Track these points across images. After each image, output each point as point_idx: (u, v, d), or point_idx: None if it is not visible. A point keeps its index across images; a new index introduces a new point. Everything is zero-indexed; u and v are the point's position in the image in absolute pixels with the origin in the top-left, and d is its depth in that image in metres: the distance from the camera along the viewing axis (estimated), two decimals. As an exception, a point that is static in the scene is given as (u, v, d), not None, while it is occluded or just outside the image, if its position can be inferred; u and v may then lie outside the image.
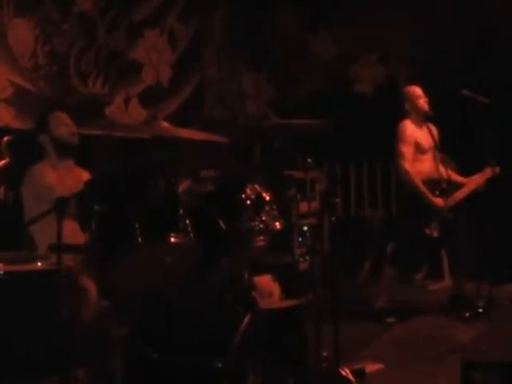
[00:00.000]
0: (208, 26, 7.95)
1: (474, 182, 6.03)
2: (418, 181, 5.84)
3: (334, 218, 5.81)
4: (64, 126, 4.37)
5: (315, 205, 6.24)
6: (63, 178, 4.29)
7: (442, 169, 5.93)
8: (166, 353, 3.53)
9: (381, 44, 8.06)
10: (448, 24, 7.42)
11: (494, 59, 7.15)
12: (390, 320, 5.83)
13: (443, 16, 7.46)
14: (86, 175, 4.37)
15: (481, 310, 5.72)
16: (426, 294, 6.91)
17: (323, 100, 7.85)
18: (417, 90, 5.99)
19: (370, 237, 7.69)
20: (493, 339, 5.13)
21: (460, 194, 5.99)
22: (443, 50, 7.30)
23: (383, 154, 7.50)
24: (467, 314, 5.73)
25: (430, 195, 5.83)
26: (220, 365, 3.34)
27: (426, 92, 6.02)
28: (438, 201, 5.84)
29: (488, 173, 6.01)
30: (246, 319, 3.45)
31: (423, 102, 5.95)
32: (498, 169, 6.02)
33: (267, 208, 4.01)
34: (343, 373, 4.01)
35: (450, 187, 5.94)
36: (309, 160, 4.89)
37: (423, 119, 6.00)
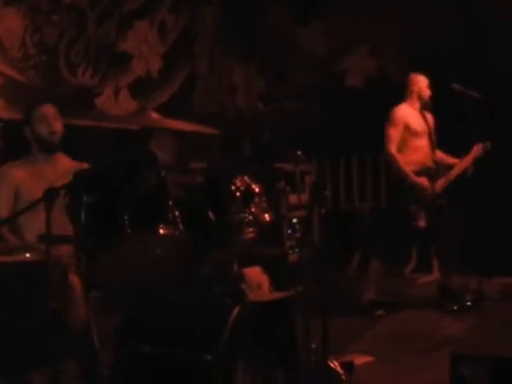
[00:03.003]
0: (199, 19, 7.93)
1: (462, 164, 6.01)
2: (403, 164, 5.80)
3: (323, 211, 5.80)
4: (45, 123, 4.25)
5: (305, 197, 6.25)
6: (40, 173, 4.22)
7: (435, 156, 5.94)
8: (156, 345, 3.52)
9: (372, 37, 8.05)
10: (440, 15, 7.41)
11: (487, 52, 7.15)
12: (379, 313, 5.83)
13: (435, 8, 7.46)
14: (80, 167, 4.32)
15: (469, 304, 5.73)
16: (415, 288, 6.91)
17: (314, 93, 7.83)
18: (424, 79, 5.99)
19: (360, 230, 7.69)
20: (481, 333, 5.15)
21: (449, 177, 5.97)
22: (435, 42, 7.30)
23: (373, 147, 7.52)
24: (455, 308, 5.75)
25: (414, 176, 5.79)
26: (209, 357, 3.33)
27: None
28: (423, 181, 5.82)
29: (477, 150, 5.98)
30: (235, 311, 3.43)
31: (427, 92, 5.95)
32: (488, 144, 6.00)
33: (257, 200, 3.98)
34: (332, 365, 3.99)
35: (437, 173, 5.94)
36: (299, 153, 4.88)
37: (421, 107, 6.00)
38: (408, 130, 5.88)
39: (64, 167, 4.28)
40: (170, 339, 3.54)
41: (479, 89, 5.81)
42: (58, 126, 4.32)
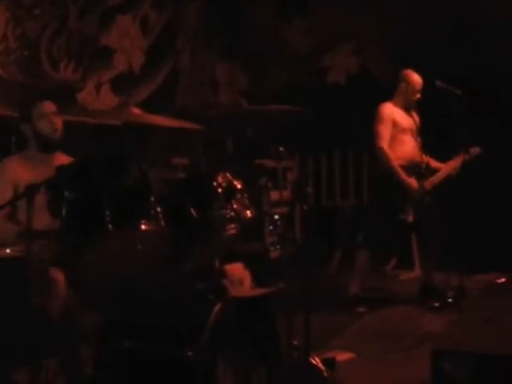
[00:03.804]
0: (182, 13, 7.89)
1: (449, 166, 6.04)
2: (393, 161, 5.81)
3: (305, 207, 5.80)
4: (46, 120, 4.23)
5: (287, 194, 6.24)
6: (35, 170, 4.19)
7: (422, 154, 5.95)
8: (137, 342, 3.50)
9: (355, 34, 8.05)
10: (424, 12, 7.42)
11: (472, 50, 7.18)
12: (361, 310, 5.84)
13: (419, 5, 7.47)
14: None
15: (450, 300, 5.75)
16: (397, 284, 6.93)
17: (297, 89, 7.83)
18: (418, 78, 5.96)
19: (341, 226, 7.70)
20: (463, 329, 5.16)
21: (436, 179, 5.99)
22: (419, 40, 7.31)
23: (355, 144, 7.53)
24: (437, 304, 5.76)
25: (404, 175, 5.80)
26: (191, 353, 3.31)
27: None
28: (413, 182, 5.83)
29: (462, 157, 6.01)
30: (217, 307, 3.43)
31: (418, 92, 5.94)
32: (477, 149, 6.03)
33: (238, 196, 3.99)
34: (314, 362, 4.00)
35: (427, 172, 5.95)
36: (281, 149, 4.88)
37: (409, 106, 5.99)
38: (396, 126, 5.89)
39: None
40: (152, 336, 3.52)
41: (464, 87, 5.82)
42: (59, 122, 4.30)
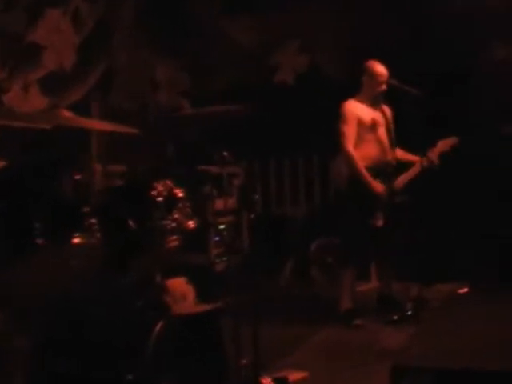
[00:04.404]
0: (117, 8, 7.83)
1: (409, 175, 6.04)
2: (358, 163, 5.80)
3: (252, 216, 5.80)
4: None
5: (232, 201, 6.23)
6: None
7: (394, 152, 5.94)
8: (72, 364, 3.46)
9: (303, 30, 8.08)
10: (376, 10, 7.49)
11: (427, 49, 7.27)
12: (357, 323, 5.78)
13: (371, 2, 7.53)
14: None
15: (410, 313, 5.79)
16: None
17: (242, 90, 7.82)
18: (382, 69, 5.94)
19: (292, 235, 7.72)
20: (423, 343, 5.20)
21: (411, 173, 6.00)
22: (372, 37, 7.36)
23: (306, 148, 7.56)
24: (395, 317, 5.80)
25: (369, 178, 5.81)
26: (131, 376, 3.28)
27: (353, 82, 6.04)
28: (378, 187, 5.84)
29: (442, 146, 6.05)
30: (159, 326, 3.40)
31: (383, 83, 5.93)
32: (455, 139, 6.07)
33: (180, 205, 3.98)
34: (264, 382, 4.00)
35: (395, 171, 5.95)
36: (226, 154, 4.87)
37: (376, 100, 5.98)
38: (361, 124, 5.88)
39: None
40: (88, 358, 3.48)
41: (418, 86, 5.87)
42: None
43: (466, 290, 6.53)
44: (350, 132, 5.86)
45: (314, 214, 7.74)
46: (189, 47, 8.17)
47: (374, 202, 5.84)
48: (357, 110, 5.93)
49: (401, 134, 5.98)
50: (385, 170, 5.91)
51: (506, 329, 5.38)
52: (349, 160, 5.86)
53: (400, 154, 6.06)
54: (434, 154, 6.03)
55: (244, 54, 8.17)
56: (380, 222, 5.84)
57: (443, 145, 6.08)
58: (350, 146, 5.83)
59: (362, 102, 5.97)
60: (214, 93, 7.73)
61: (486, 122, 7.17)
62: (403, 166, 6.08)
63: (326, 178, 7.66)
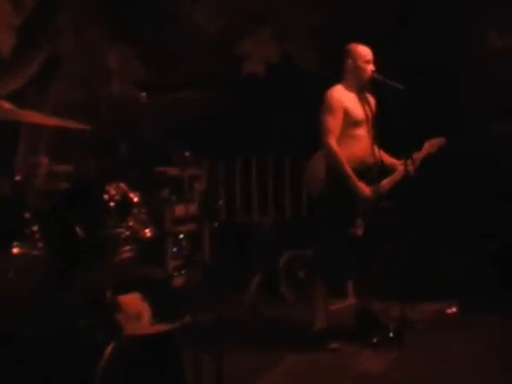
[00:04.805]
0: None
1: (392, 180, 6.03)
2: (344, 162, 5.71)
3: (215, 224, 5.80)
4: None
5: (193, 208, 6.23)
6: None
7: (376, 150, 5.89)
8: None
9: (275, 16, 8.09)
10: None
11: (410, 39, 7.32)
12: (334, 346, 5.78)
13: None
14: None
15: (391, 335, 5.80)
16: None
17: (207, 82, 7.81)
18: (367, 52, 5.89)
19: (260, 246, 7.72)
20: (404, 369, 5.24)
21: (395, 177, 5.98)
22: (350, 25, 7.40)
23: (276, 148, 7.57)
24: (375, 340, 5.81)
25: (356, 180, 5.74)
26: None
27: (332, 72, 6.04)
28: (366, 189, 5.78)
29: (428, 148, 6.05)
30: (109, 348, 3.38)
31: (369, 67, 5.86)
32: (442, 140, 6.08)
33: (135, 211, 3.98)
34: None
35: (377, 174, 5.92)
36: (186, 154, 4.88)
37: (362, 86, 5.94)
38: (347, 117, 5.83)
39: None
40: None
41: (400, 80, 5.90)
42: None
43: (454, 310, 6.59)
44: (334, 124, 5.76)
45: (285, 223, 7.75)
46: (146, 33, 8.15)
47: (354, 208, 5.81)
48: (344, 99, 5.84)
49: (383, 131, 5.97)
50: (370, 172, 5.88)
51: (496, 354, 5.44)
52: (331, 156, 5.74)
53: (380, 155, 6.02)
54: (418, 158, 6.02)
55: (209, 41, 8.16)
56: (360, 231, 5.81)
57: (430, 146, 6.09)
58: (332, 140, 5.76)
59: (348, 89, 5.92)
60: (175, 84, 7.72)
61: (476, 119, 7.24)
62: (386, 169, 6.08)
63: (298, 182, 7.67)
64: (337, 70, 5.98)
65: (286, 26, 8.07)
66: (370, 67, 5.83)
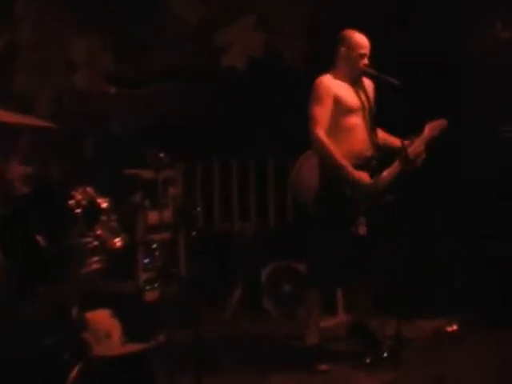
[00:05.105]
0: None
1: (415, 147, 6.00)
2: (334, 151, 5.69)
3: (193, 233, 5.77)
4: None
5: (168, 214, 6.21)
6: None
7: (376, 138, 5.87)
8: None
9: (259, 5, 8.10)
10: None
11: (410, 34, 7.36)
12: (323, 368, 5.76)
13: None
14: None
15: (385, 355, 5.80)
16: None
17: (184, 76, 7.81)
18: (363, 42, 5.90)
19: (241, 256, 7.72)
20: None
21: (388, 174, 5.96)
22: (341, 18, 7.42)
23: (259, 149, 7.56)
24: (368, 360, 5.81)
25: (350, 168, 5.69)
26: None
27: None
28: (363, 175, 5.75)
29: (429, 131, 6.02)
30: (76, 370, 3.36)
31: (364, 57, 5.86)
32: (443, 122, 6.06)
33: (104, 219, 3.97)
34: None
35: (377, 167, 5.90)
36: (161, 155, 4.86)
37: (356, 77, 5.92)
38: (338, 105, 5.81)
39: None
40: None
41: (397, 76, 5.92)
42: None
43: (455, 327, 6.59)
44: (322, 114, 5.76)
45: (268, 231, 7.74)
46: (116, 22, 8.14)
47: (355, 206, 5.77)
48: (334, 86, 5.84)
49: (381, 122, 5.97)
50: (368, 164, 5.85)
51: (498, 376, 5.45)
52: (320, 147, 5.73)
53: (381, 136, 5.99)
54: (420, 142, 5.99)
55: (186, 31, 8.16)
56: (363, 230, 5.77)
57: (431, 129, 6.04)
58: (321, 131, 5.75)
59: (338, 78, 5.91)
60: (149, 78, 7.72)
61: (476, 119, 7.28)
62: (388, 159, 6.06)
63: (283, 186, 7.67)
64: (326, 68, 6.00)
65: (272, 15, 8.08)
66: (364, 61, 5.83)
